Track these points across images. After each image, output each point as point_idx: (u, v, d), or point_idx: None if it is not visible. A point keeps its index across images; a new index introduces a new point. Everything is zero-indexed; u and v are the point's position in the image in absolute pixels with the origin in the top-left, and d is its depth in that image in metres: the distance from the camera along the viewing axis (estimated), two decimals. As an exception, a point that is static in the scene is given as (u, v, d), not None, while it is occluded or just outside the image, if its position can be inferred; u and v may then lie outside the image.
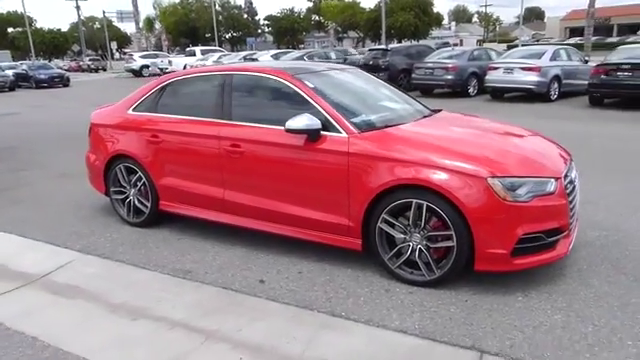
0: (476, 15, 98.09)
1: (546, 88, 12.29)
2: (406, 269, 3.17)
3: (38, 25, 69.10)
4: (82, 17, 54.68)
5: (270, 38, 74.75)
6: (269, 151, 3.52)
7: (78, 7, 49.50)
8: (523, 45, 23.88)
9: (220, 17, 54.07)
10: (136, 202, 4.38)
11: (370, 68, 14.35)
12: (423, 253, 3.08)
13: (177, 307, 3.05)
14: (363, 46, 64.05)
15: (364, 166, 3.13)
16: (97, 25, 78.98)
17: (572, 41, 41.92)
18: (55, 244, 4.12)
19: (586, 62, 13.61)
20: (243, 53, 27.52)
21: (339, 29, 64.86)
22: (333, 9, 61.45)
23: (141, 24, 45.43)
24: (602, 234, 3.88)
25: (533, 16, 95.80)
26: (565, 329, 2.64)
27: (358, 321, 2.80)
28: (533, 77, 12.25)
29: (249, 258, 3.69)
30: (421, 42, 41.30)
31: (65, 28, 73.50)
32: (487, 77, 13.22)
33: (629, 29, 53.97)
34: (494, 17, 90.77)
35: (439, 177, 2.91)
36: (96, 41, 73.89)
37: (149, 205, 4.29)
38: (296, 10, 71.66)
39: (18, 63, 32.16)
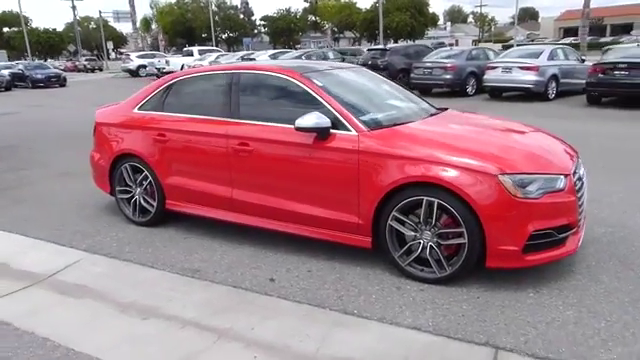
0: (471, 15, 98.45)
1: (544, 87, 12.35)
2: (416, 266, 3.17)
3: (34, 25, 68.76)
4: (78, 17, 54.38)
5: (266, 38, 74.69)
6: (278, 149, 3.51)
7: (74, 7, 49.25)
8: (518, 45, 24.00)
9: (216, 17, 53.94)
10: (142, 201, 4.36)
11: (369, 68, 14.32)
12: (434, 250, 3.08)
13: (187, 306, 3.03)
14: (359, 46, 64.14)
15: (375, 164, 3.13)
16: (93, 25, 78.70)
17: (567, 41, 42.12)
18: (60, 243, 4.10)
19: (583, 61, 13.68)
20: (240, 53, 27.47)
21: (335, 29, 64.93)
22: (330, 9, 61.49)
23: (138, 24, 45.21)
24: (608, 231, 3.90)
25: (527, 16, 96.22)
26: (578, 325, 2.65)
27: (371, 319, 2.80)
28: (531, 76, 12.30)
29: (258, 257, 3.68)
30: (417, 42, 41.35)
31: (60, 28, 73.23)
32: (485, 76, 13.26)
33: (622, 29, 54.36)
34: (489, 17, 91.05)
35: (450, 174, 2.92)
36: (92, 41, 73.57)
37: (155, 204, 4.27)
38: (292, 10, 71.68)
39: (14, 63, 31.94)
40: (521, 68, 12.45)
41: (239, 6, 75.31)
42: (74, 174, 6.28)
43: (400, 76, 15.61)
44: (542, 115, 10.42)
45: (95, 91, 22.59)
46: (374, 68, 15.08)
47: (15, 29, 63.49)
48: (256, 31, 77.71)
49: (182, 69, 24.46)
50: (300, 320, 2.84)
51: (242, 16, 74.65)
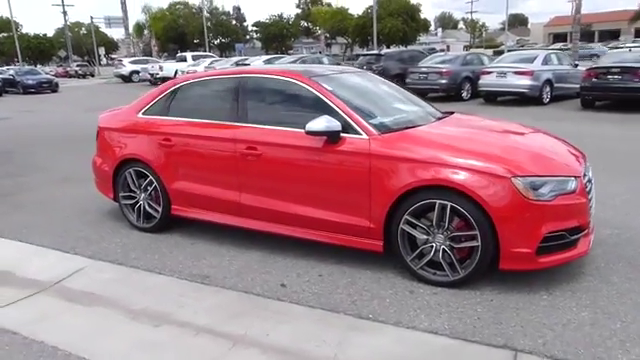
0: (462, 22, 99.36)
1: (538, 92, 12.48)
2: (429, 270, 3.16)
3: (23, 30, 68.16)
4: (68, 22, 54.04)
5: (259, 44, 74.71)
6: (287, 153, 3.50)
7: (65, 12, 49.01)
8: (509, 50, 24.28)
9: (209, 23, 53.91)
10: (146, 207, 4.31)
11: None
12: (446, 253, 3.08)
13: (199, 312, 3.00)
14: (352, 52, 64.39)
15: (386, 167, 3.13)
16: (83, 30, 78.28)
17: (557, 46, 42.69)
18: (63, 250, 4.04)
19: (576, 66, 13.85)
20: (234, 59, 27.44)
21: (327, 35, 65.17)
22: (324, 15, 61.69)
23: (130, 29, 45.05)
24: (614, 232, 3.93)
25: (517, 22, 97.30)
26: (594, 326, 2.66)
27: (386, 323, 2.78)
28: (526, 81, 12.43)
29: (266, 262, 3.66)
30: (410, 47, 41.62)
31: (51, 33, 72.68)
32: (480, 81, 13.38)
33: (609, 35, 55.19)
34: (480, 23, 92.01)
35: (463, 177, 2.92)
36: (83, 46, 73.14)
37: (160, 210, 4.23)
38: (285, 16, 71.82)
39: (5, 68, 31.64)
40: (516, 73, 12.57)
41: (231, 12, 75.40)
42: (74, 179, 6.21)
43: (395, 81, 15.65)
44: (538, 119, 10.50)
45: (88, 97, 22.45)
46: (370, 73, 15.24)
47: (5, 34, 62.92)
48: (248, 37, 77.76)
49: (175, 75, 24.45)
50: (315, 325, 2.82)
51: (234, 22, 74.66)
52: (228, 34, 70.53)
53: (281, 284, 3.29)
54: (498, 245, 2.92)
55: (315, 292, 3.17)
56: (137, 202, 4.36)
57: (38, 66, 52.59)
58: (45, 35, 68.89)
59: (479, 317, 2.79)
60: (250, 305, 3.07)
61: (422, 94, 14.84)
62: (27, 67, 34.54)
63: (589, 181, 3.23)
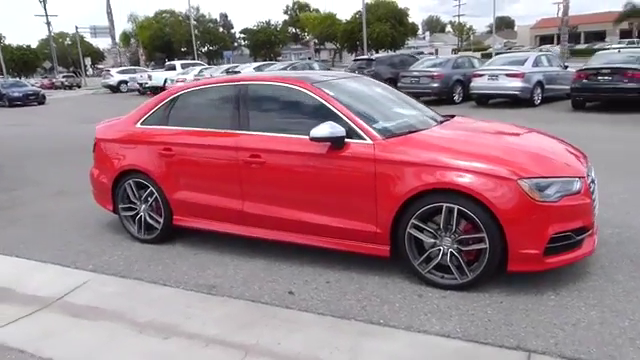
0: (449, 25, 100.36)
1: (530, 94, 12.61)
2: (437, 274, 3.17)
3: (6, 42, 67.46)
4: (52, 33, 53.57)
5: (247, 51, 74.74)
6: (291, 160, 3.49)
7: (49, 23, 48.58)
8: (497, 53, 24.55)
9: (196, 31, 53.73)
10: (147, 218, 4.27)
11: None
12: (454, 256, 3.09)
13: (208, 323, 2.97)
14: (340, 58, 64.69)
15: (392, 172, 3.14)
16: (68, 41, 77.69)
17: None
18: (64, 265, 3.98)
19: (565, 68, 14.03)
20: (224, 66, 27.40)
21: (316, 41, 65.40)
22: (313, 20, 61.96)
23: (117, 39, 44.81)
24: (615, 232, 3.97)
25: (503, 25, 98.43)
26: (603, 325, 2.68)
27: (398, 327, 2.78)
28: (517, 83, 12.56)
29: (272, 270, 3.64)
30: (400, 52, 41.95)
31: (34, 44, 72.01)
32: (472, 84, 13.50)
33: (595, 36, 56.07)
34: (468, 26, 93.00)
35: (470, 180, 2.94)
36: (68, 57, 72.56)
37: (162, 221, 4.19)
38: (273, 23, 71.98)
39: (-11, 81, 31.22)
40: (507, 75, 12.71)
41: (218, 19, 75.36)
42: (69, 192, 6.14)
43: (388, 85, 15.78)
44: (531, 120, 10.57)
45: (76, 108, 22.27)
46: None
47: (-13, 46, 62.27)
48: (236, 44, 77.78)
49: (165, 84, 24.34)
50: (326, 332, 2.80)
51: (222, 29, 74.63)
52: (216, 42, 70.47)
53: (289, 292, 3.28)
54: (506, 247, 2.93)
55: (324, 299, 3.16)
56: (138, 213, 4.32)
57: (22, 78, 52.04)
58: (29, 46, 68.23)
59: (490, 319, 2.80)
60: (259, 314, 3.05)
61: (415, 98, 14.99)
62: (12, 79, 34.09)
63: (592, 181, 3.26)
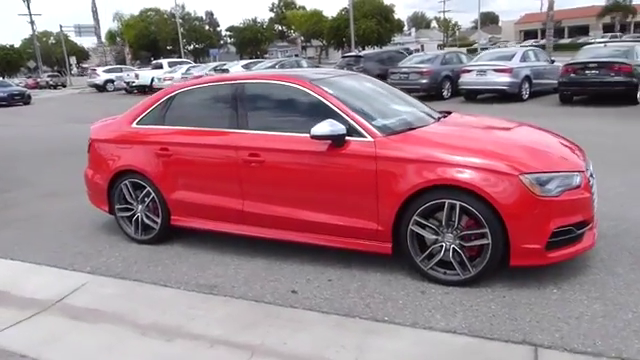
0: (434, 21, 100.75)
1: (518, 88, 12.74)
2: (439, 270, 3.18)
3: (-12, 42, 66.07)
4: (36, 32, 52.67)
5: (233, 49, 74.23)
6: (291, 158, 3.47)
7: (32, 22, 47.78)
8: (482, 49, 24.73)
9: (182, 29, 53.20)
10: (144, 218, 4.22)
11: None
12: (456, 252, 3.10)
13: (211, 323, 2.95)
14: (327, 54, 64.57)
15: (393, 169, 3.13)
16: (52, 40, 76.43)
17: (527, 43, 43.61)
18: (61, 267, 3.92)
19: (552, 62, 14.18)
20: (212, 64, 27.17)
21: (302, 38, 65.24)
22: (300, 18, 61.75)
23: (103, 38, 44.18)
24: (611, 224, 4.01)
25: (488, 20, 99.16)
26: (607, 317, 2.71)
27: (403, 324, 2.78)
28: (505, 78, 12.67)
29: (273, 269, 3.62)
30: (385, 48, 41.94)
31: (17, 44, 70.67)
32: (461, 80, 13.58)
33: (578, 30, 56.74)
34: (453, 22, 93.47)
35: (471, 176, 2.95)
36: (52, 56, 71.39)
37: (159, 221, 4.14)
38: (259, 20, 71.59)
39: (-28, 82, 30.57)
40: (495, 70, 12.81)
41: (204, 17, 74.72)
42: (62, 193, 6.03)
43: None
44: (519, 115, 10.63)
45: (63, 108, 21.95)
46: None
47: (-31, 46, 61.04)
48: (222, 42, 77.22)
49: (152, 82, 24.07)
50: (332, 331, 2.80)
51: (207, 27, 74.02)
52: (202, 40, 69.91)
53: (292, 291, 3.26)
54: (508, 242, 2.95)
55: (327, 297, 3.15)
56: (134, 214, 4.26)
57: (5, 78, 51.07)
58: (12, 46, 66.92)
59: (494, 314, 2.82)
60: (262, 314, 3.03)
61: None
62: (-4, 79, 33.51)
63: (591, 175, 3.30)
